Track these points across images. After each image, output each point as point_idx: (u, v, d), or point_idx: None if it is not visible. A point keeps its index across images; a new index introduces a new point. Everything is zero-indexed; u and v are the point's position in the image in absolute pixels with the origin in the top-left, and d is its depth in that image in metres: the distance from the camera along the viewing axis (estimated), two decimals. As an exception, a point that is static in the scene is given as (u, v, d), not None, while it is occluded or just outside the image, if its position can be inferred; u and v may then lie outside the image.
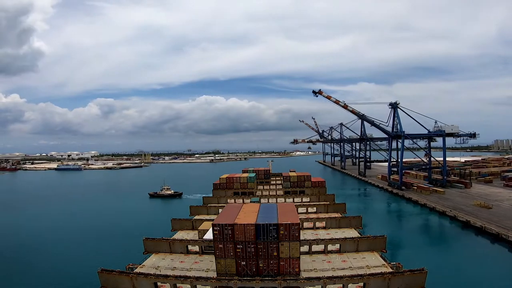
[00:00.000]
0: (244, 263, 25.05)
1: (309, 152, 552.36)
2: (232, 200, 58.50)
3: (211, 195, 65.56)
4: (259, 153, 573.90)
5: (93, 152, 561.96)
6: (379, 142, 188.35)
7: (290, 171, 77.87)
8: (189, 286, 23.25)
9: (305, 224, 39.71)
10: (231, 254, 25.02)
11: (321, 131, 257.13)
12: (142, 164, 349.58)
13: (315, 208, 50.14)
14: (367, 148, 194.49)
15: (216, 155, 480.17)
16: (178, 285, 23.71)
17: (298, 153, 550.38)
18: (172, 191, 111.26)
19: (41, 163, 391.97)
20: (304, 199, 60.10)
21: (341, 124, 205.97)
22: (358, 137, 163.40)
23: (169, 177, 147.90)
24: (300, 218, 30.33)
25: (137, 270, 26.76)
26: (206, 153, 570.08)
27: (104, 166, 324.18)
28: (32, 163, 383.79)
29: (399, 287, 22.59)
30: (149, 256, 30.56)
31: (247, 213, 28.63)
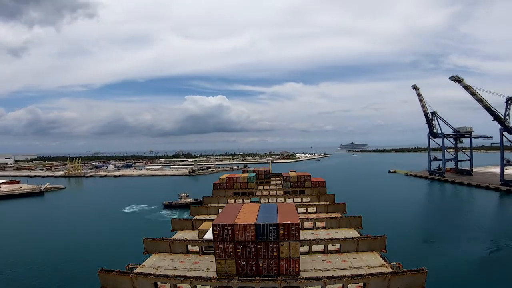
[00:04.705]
0: (244, 263, 25.04)
1: (315, 154, 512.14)
2: (232, 200, 58.46)
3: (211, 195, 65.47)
4: (251, 155, 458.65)
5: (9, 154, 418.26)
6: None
7: (290, 171, 77.88)
8: (189, 286, 23.24)
9: (305, 224, 39.68)
10: (231, 254, 25.01)
11: (429, 114, 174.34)
12: (44, 187, 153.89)
13: (315, 208, 50.12)
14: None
15: (195, 161, 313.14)
16: (178, 285, 23.70)
17: (303, 155, 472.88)
18: (192, 199, 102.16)
19: None
20: (304, 199, 60.07)
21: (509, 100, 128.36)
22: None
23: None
24: (300, 218, 30.31)
25: (137, 270, 26.75)
26: (173, 156, 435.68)
27: None
28: None
29: (399, 287, 22.59)
30: (149, 256, 30.54)
31: (247, 213, 28.60)
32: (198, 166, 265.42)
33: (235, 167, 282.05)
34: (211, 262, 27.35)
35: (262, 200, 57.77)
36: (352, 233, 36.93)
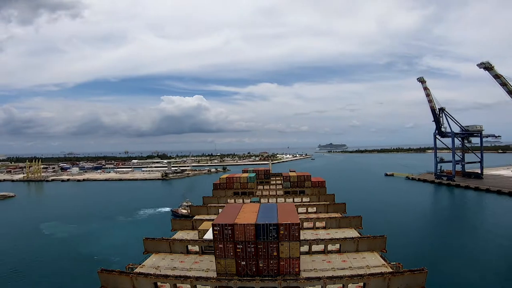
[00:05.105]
0: (244, 263, 25.05)
1: (296, 155, 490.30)
2: (232, 200, 58.44)
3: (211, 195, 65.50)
4: (230, 156, 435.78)
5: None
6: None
7: (290, 171, 77.86)
8: (189, 286, 23.24)
9: (305, 224, 39.66)
10: (231, 254, 25.00)
11: (437, 111, 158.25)
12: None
13: (315, 208, 50.08)
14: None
15: (169, 163, 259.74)
16: (178, 285, 23.70)
17: (284, 156, 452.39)
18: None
19: None
20: (304, 199, 60.03)
21: None
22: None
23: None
24: (300, 218, 30.31)
25: (137, 270, 26.76)
26: (148, 157, 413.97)
27: None
28: None
29: (399, 287, 22.59)
30: (149, 256, 30.54)
31: (247, 213, 28.60)
32: (172, 168, 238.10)
33: (213, 170, 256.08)
34: (211, 262, 27.35)
35: (262, 200, 57.74)
36: (352, 233, 36.89)
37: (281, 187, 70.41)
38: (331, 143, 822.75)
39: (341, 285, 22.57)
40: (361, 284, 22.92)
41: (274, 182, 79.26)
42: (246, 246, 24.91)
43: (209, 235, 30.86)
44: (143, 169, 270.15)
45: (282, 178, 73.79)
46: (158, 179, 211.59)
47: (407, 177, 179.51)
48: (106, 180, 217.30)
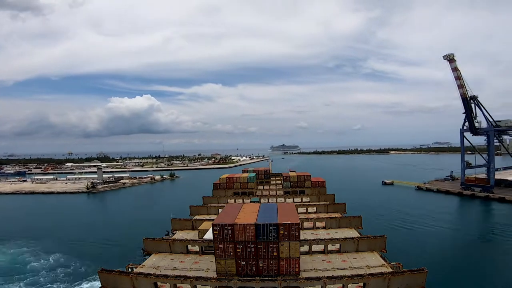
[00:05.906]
0: (244, 263, 25.06)
1: (253, 157, 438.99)
2: (232, 200, 58.54)
3: (211, 195, 65.58)
4: (178, 158, 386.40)
5: None
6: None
7: (290, 171, 77.95)
8: (189, 286, 23.27)
9: (305, 224, 39.73)
10: (231, 254, 25.02)
11: (469, 100, 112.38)
12: None
13: (315, 208, 50.16)
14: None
15: (100, 169, 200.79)
16: (178, 285, 23.73)
17: (241, 159, 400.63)
18: None
19: None
20: (304, 199, 60.13)
21: None
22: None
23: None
24: (300, 218, 30.35)
25: (137, 270, 26.79)
26: (87, 160, 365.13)
27: None
28: None
29: (399, 287, 22.60)
30: (149, 256, 30.59)
31: (247, 213, 28.63)
32: (104, 176, 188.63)
33: (158, 177, 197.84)
34: (211, 262, 27.38)
35: (262, 200, 57.83)
36: (352, 233, 36.94)
37: (281, 187, 70.50)
38: (283, 144, 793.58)
39: (341, 285, 22.59)
40: (361, 284, 22.94)
41: (274, 182, 79.34)
42: (246, 246, 24.92)
43: (209, 235, 30.90)
44: (68, 176, 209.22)
45: (282, 178, 73.91)
46: (82, 192, 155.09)
47: (418, 187, 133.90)
48: (13, 193, 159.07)
